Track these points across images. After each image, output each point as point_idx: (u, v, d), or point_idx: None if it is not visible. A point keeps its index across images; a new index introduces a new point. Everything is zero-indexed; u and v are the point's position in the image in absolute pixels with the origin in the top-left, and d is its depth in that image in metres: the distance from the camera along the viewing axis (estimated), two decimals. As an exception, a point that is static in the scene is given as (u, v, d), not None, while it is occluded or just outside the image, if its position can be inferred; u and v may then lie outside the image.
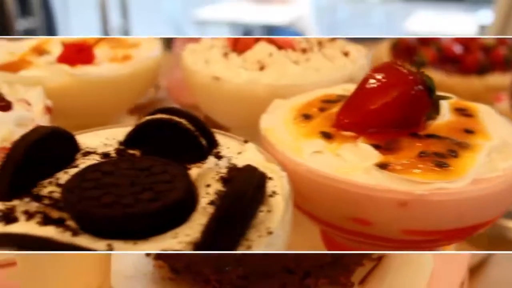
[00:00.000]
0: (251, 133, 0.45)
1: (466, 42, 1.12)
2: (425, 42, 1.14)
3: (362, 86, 0.43)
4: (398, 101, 0.42)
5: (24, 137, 0.37)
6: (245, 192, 0.32)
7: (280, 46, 0.59)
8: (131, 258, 0.56)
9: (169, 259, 0.51)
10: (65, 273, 0.56)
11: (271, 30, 3.86)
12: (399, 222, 0.38)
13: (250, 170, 0.34)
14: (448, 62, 1.10)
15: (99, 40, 0.63)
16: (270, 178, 0.36)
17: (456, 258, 0.57)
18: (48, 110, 0.50)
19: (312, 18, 3.93)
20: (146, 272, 0.55)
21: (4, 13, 2.35)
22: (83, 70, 0.59)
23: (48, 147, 0.38)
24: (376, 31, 3.81)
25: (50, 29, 2.62)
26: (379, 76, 0.43)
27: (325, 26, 4.04)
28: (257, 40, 0.59)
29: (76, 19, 3.04)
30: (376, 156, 0.39)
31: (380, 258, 0.52)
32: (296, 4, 3.88)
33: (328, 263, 0.45)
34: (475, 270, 0.68)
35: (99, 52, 0.63)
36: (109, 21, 2.57)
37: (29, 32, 2.54)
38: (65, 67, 0.58)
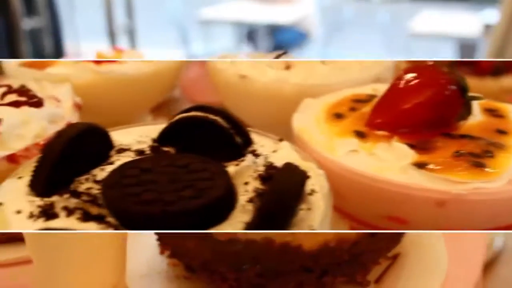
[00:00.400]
0: (277, 131, 0.45)
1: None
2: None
3: (394, 85, 0.44)
4: (432, 101, 0.42)
5: (61, 133, 0.37)
6: (288, 190, 0.33)
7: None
8: (145, 257, 0.56)
9: (184, 257, 0.51)
10: (80, 272, 0.54)
11: (275, 29, 3.88)
12: (435, 221, 0.38)
13: (291, 168, 0.34)
14: (463, 64, 1.10)
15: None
16: (308, 177, 0.36)
17: (471, 258, 0.57)
18: (77, 107, 0.50)
19: (316, 18, 3.91)
20: (161, 270, 0.55)
21: (10, 12, 2.39)
22: (108, 68, 0.59)
23: (84, 143, 0.38)
24: (381, 31, 3.83)
25: (55, 28, 2.65)
26: (412, 76, 0.43)
27: (329, 25, 4.06)
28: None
29: (82, 18, 3.05)
30: (411, 155, 0.39)
31: (395, 257, 0.52)
32: (301, 3, 3.89)
33: (345, 261, 0.44)
34: (485, 268, 0.68)
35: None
36: (115, 20, 2.61)
37: (35, 31, 2.55)
38: (90, 65, 0.58)
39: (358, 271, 0.46)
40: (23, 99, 0.47)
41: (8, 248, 0.56)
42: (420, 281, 0.52)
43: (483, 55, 2.41)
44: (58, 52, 2.63)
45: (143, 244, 0.56)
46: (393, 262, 0.52)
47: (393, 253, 0.52)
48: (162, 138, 0.42)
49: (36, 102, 0.46)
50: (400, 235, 0.50)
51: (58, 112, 0.47)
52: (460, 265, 0.55)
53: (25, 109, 0.45)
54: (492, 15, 2.49)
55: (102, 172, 0.38)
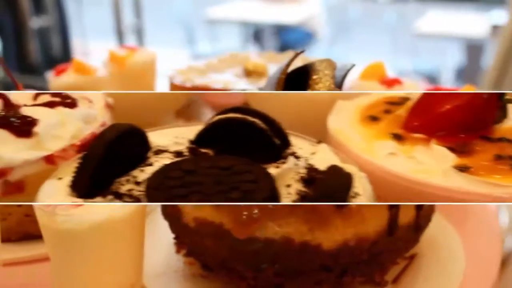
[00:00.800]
0: (306, 132, 0.45)
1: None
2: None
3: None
4: (470, 104, 0.42)
5: (102, 134, 0.38)
6: (335, 194, 0.33)
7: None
8: (162, 256, 0.56)
9: (201, 256, 0.51)
10: (98, 270, 0.54)
11: (281, 29, 3.91)
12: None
13: (337, 171, 0.34)
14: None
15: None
16: (353, 180, 0.36)
17: (489, 258, 0.56)
18: (109, 107, 0.50)
19: (323, 18, 3.89)
20: (177, 269, 0.55)
21: (19, 11, 2.43)
22: None
23: (124, 144, 0.38)
24: (387, 31, 3.84)
25: (63, 27, 2.71)
26: (449, 79, 0.43)
27: (335, 25, 4.06)
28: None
29: (90, 17, 3.09)
30: (452, 158, 0.39)
31: (412, 257, 0.52)
32: (307, 3, 3.91)
33: (364, 261, 0.45)
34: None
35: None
36: (123, 19, 2.66)
37: (43, 30, 2.59)
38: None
39: (377, 271, 0.47)
40: (57, 99, 0.47)
41: (23, 246, 0.56)
42: (438, 281, 0.52)
43: (490, 56, 2.41)
44: (66, 51, 2.70)
45: (160, 243, 0.57)
46: (410, 262, 0.53)
47: (410, 253, 0.52)
48: (200, 140, 0.42)
49: (70, 103, 0.46)
50: (418, 235, 0.49)
51: (92, 113, 0.47)
52: (477, 265, 0.54)
53: (60, 109, 0.45)
54: (500, 16, 2.48)
55: (142, 174, 0.38)
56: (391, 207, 0.47)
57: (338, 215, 0.46)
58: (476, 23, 3.03)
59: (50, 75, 0.75)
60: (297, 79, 0.60)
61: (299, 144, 0.42)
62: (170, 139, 0.43)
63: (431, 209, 0.50)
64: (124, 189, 0.37)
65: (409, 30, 3.39)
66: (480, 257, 0.54)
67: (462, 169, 0.38)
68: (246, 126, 0.40)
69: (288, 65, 0.62)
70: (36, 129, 0.43)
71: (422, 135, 0.42)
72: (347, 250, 0.44)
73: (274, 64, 0.97)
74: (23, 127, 0.42)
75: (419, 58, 3.25)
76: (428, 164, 0.39)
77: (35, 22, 2.54)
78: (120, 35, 2.58)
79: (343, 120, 0.46)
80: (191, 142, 0.42)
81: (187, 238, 0.52)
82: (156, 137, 0.43)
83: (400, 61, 3.17)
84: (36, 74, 2.52)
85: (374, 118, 0.45)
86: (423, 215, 0.45)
